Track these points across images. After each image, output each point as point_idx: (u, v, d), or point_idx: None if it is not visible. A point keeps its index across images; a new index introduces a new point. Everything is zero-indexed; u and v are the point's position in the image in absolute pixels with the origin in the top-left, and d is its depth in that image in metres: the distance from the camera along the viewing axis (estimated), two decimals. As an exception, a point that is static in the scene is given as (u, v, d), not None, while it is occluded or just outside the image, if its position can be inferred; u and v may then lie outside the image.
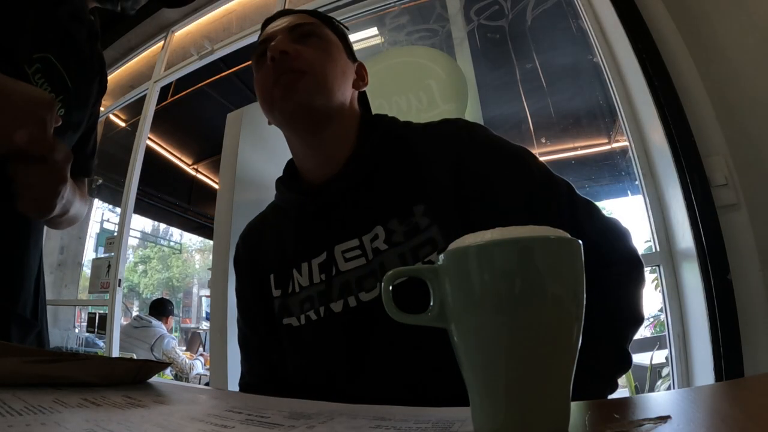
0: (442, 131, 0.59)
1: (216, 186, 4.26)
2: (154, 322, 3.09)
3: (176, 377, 3.15)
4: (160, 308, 3.26)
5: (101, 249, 3.14)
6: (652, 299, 1.33)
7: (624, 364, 0.49)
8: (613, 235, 0.54)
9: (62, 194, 0.52)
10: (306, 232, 0.58)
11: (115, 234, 2.52)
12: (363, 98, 0.66)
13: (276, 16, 0.62)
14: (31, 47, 0.56)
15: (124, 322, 3.07)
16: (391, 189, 0.55)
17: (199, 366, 3.18)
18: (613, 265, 0.52)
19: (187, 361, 3.12)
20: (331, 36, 0.60)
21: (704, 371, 1.05)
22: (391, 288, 0.27)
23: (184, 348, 4.09)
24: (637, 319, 0.51)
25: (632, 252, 0.54)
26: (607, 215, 0.55)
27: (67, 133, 0.63)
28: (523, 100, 1.64)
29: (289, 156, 0.64)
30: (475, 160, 0.54)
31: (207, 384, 2.35)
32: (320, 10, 2.21)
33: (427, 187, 0.54)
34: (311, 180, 0.60)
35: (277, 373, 0.60)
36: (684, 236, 1.13)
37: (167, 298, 3.77)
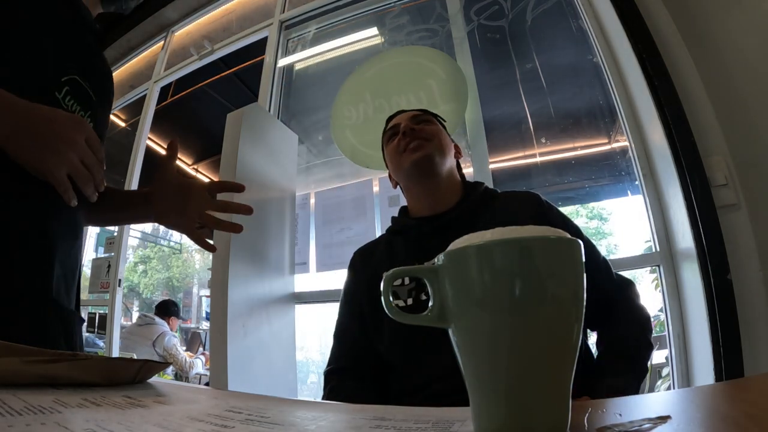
0: (527, 198, 0.82)
1: (216, 186, 4.22)
2: (158, 320, 3.19)
3: (176, 376, 3.16)
4: (164, 308, 3.37)
5: (101, 249, 3.14)
6: (652, 299, 1.33)
7: (649, 348, 0.69)
8: (629, 286, 0.77)
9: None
10: (420, 244, 0.79)
11: (115, 234, 2.52)
12: (459, 168, 0.91)
13: (397, 113, 0.93)
14: (58, 71, 0.57)
15: (125, 322, 3.10)
16: (487, 224, 0.68)
17: (199, 365, 3.21)
18: (631, 300, 0.76)
19: (187, 359, 3.17)
20: (437, 123, 0.89)
21: (704, 371, 1.05)
22: (391, 288, 0.27)
23: (185, 348, 4.11)
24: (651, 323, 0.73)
25: (641, 306, 0.76)
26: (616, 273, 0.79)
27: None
28: (523, 100, 1.64)
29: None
30: (548, 217, 0.77)
31: (207, 384, 2.35)
32: (320, 10, 2.22)
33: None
34: (423, 216, 0.83)
35: (365, 356, 0.78)
36: (684, 236, 1.13)
37: (172, 299, 3.92)
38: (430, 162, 0.80)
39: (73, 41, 0.61)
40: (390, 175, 0.93)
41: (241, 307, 1.30)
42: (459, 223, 0.77)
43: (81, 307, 0.65)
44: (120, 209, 0.75)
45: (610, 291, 0.74)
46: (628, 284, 0.77)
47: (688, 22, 1.25)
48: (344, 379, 0.76)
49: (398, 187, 0.91)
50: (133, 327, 3.23)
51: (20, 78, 0.52)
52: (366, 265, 0.85)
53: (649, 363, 0.70)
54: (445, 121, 0.94)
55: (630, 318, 0.72)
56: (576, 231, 0.79)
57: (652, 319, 0.74)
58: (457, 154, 0.90)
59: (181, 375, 3.11)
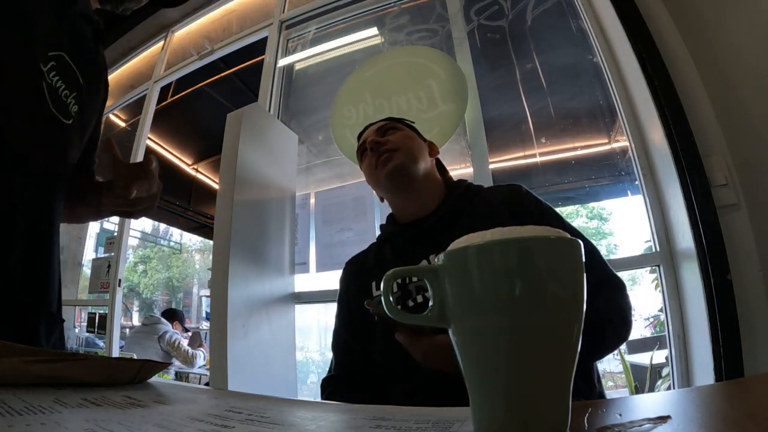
0: (508, 191, 0.80)
1: (216, 186, 4.26)
2: (163, 320, 3.44)
3: (176, 377, 3.18)
4: (169, 314, 3.71)
5: (101, 249, 3.14)
6: (652, 299, 1.33)
7: (628, 327, 0.66)
8: (603, 263, 0.73)
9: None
10: (407, 249, 0.79)
11: (115, 234, 2.52)
12: (440, 165, 0.91)
13: (366, 128, 0.92)
14: (46, 46, 0.56)
15: (125, 322, 3.16)
16: (471, 224, 0.71)
17: (201, 357, 3.36)
18: (608, 282, 0.71)
19: (190, 350, 3.35)
20: (404, 127, 0.88)
21: (704, 371, 1.05)
22: (391, 287, 0.27)
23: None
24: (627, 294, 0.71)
25: (615, 275, 0.72)
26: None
27: (81, 130, 0.64)
28: (523, 100, 1.64)
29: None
30: (532, 209, 0.76)
31: (207, 384, 2.35)
32: (320, 10, 2.22)
33: (497, 226, 0.67)
34: (408, 222, 0.83)
35: (359, 363, 0.78)
36: (684, 236, 1.13)
37: (178, 309, 4.23)
38: (402, 171, 0.80)
39: (67, 24, 0.61)
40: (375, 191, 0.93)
41: (241, 307, 1.30)
42: (442, 225, 0.77)
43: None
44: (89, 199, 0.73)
45: (596, 278, 0.68)
46: (617, 284, 0.70)
47: (688, 22, 1.25)
48: (339, 386, 0.78)
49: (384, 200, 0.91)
50: (139, 326, 3.51)
51: (5, 46, 0.51)
52: (355, 274, 0.86)
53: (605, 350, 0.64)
54: (413, 122, 0.92)
55: (606, 308, 0.66)
56: (560, 222, 0.76)
57: (629, 323, 0.67)
58: (433, 152, 0.89)
59: (184, 366, 3.29)
